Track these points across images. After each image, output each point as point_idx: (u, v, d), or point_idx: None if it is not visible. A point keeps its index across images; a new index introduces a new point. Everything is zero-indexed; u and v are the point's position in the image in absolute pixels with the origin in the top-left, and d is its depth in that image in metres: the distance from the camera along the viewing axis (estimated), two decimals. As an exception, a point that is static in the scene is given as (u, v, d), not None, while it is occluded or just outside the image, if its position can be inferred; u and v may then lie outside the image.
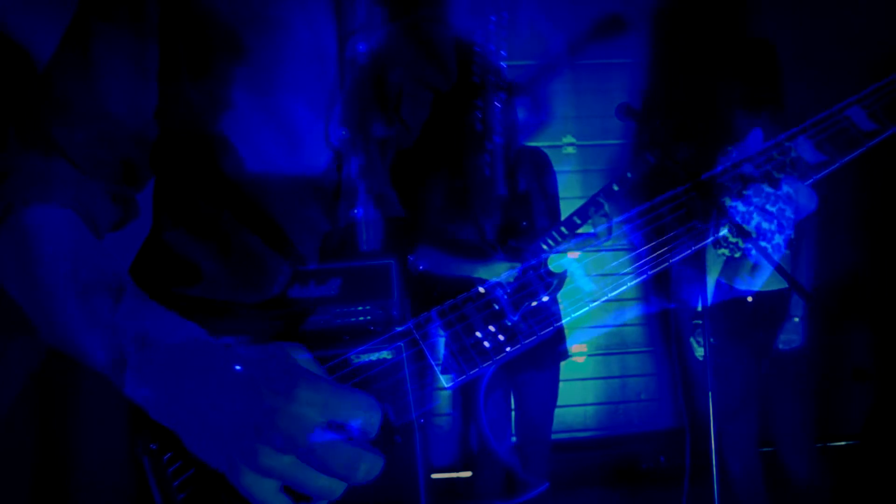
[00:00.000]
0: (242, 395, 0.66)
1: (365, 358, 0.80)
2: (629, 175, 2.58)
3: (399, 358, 0.81)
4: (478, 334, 0.83)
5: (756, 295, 2.88)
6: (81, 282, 0.77)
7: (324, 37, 0.92)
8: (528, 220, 2.86)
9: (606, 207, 2.59)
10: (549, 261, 0.86)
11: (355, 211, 0.94)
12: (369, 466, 0.67)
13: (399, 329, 0.82)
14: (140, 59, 0.87)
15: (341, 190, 0.94)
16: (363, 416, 0.67)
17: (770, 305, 2.88)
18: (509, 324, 0.83)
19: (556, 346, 2.98)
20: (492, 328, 0.83)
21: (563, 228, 2.49)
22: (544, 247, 0.87)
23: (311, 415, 0.64)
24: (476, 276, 0.92)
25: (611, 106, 2.59)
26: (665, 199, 0.88)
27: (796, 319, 2.83)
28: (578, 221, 2.58)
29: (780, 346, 2.86)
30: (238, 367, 0.67)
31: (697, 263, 3.03)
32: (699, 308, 3.04)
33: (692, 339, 3.01)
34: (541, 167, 3.04)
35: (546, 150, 3.30)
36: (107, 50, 0.86)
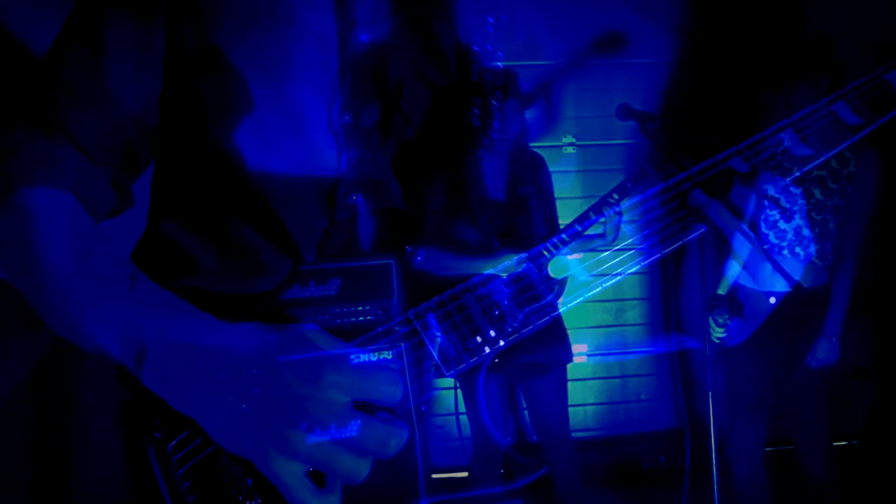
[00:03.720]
0: (269, 383, 0.68)
1: (365, 359, 0.80)
2: (629, 185, 2.58)
3: (399, 352, 0.82)
4: (476, 324, 0.84)
5: (779, 297, 2.81)
6: (90, 269, 0.76)
7: (329, 25, 0.92)
8: (525, 223, 2.83)
9: (622, 204, 2.59)
10: (550, 264, 0.88)
11: (354, 198, 0.94)
12: (398, 440, 0.70)
13: (398, 320, 0.83)
14: (148, 45, 0.87)
15: (341, 176, 0.93)
16: (387, 390, 0.70)
17: (796, 311, 2.80)
18: (506, 314, 0.85)
19: (560, 351, 2.94)
20: (489, 318, 0.85)
21: (564, 236, 2.47)
22: (545, 252, 0.88)
23: (338, 398, 0.68)
24: (474, 273, 0.94)
25: (611, 106, 2.60)
26: (659, 190, 0.90)
27: (833, 339, 2.75)
28: (592, 216, 2.58)
29: (813, 363, 2.77)
30: (256, 371, 0.69)
31: (720, 252, 2.97)
32: (720, 291, 2.96)
33: (710, 318, 2.88)
34: (537, 169, 2.98)
35: (546, 150, 3.30)
36: (116, 35, 0.86)
